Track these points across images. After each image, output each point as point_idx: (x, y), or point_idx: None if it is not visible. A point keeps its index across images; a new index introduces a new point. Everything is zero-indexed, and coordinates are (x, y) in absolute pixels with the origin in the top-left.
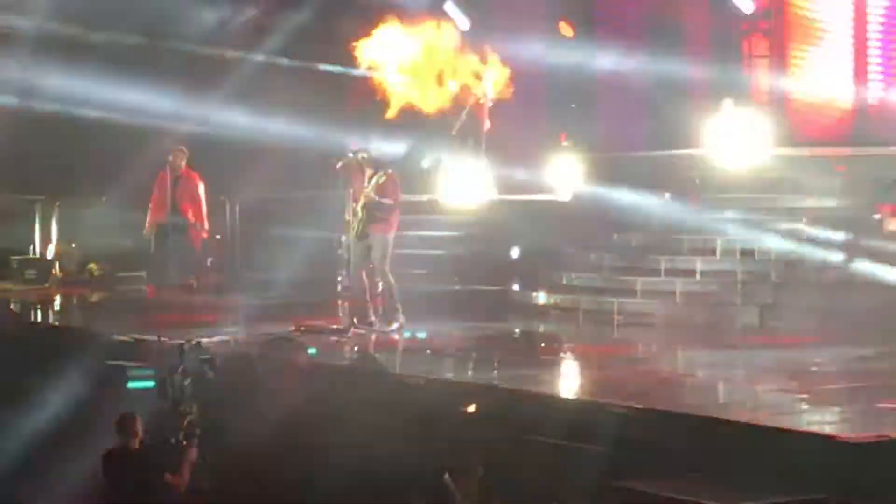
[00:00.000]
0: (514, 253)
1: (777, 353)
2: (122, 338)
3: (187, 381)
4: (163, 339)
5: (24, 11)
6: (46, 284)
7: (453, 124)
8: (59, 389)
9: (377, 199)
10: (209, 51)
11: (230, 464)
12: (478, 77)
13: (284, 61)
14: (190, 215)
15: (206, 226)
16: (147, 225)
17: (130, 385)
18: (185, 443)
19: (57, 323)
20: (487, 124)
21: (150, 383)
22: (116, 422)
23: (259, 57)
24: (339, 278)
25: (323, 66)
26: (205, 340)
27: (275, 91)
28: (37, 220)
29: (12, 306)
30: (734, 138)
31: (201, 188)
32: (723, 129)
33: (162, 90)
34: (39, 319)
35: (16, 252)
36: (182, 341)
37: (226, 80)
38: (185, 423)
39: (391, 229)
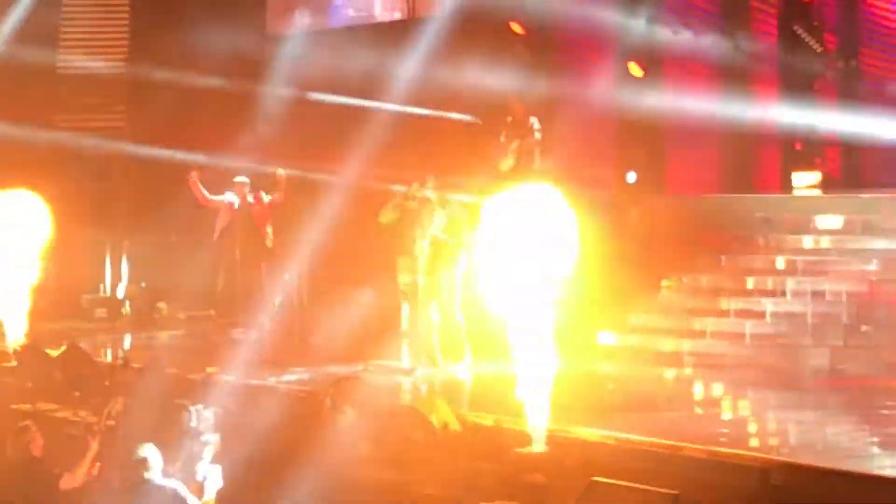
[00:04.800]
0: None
1: (848, 396)
2: (190, 376)
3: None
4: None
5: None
6: (116, 323)
7: (502, 163)
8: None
9: (443, 236)
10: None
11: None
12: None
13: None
14: (264, 242)
15: (271, 240)
16: (218, 257)
17: None
18: (207, 472)
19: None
20: (538, 162)
21: None
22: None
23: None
24: (404, 317)
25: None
26: (272, 380)
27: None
28: (107, 259)
29: (82, 346)
30: (802, 180)
31: (268, 211)
32: (791, 171)
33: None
34: (109, 359)
35: (86, 290)
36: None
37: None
38: (207, 453)
39: (457, 266)
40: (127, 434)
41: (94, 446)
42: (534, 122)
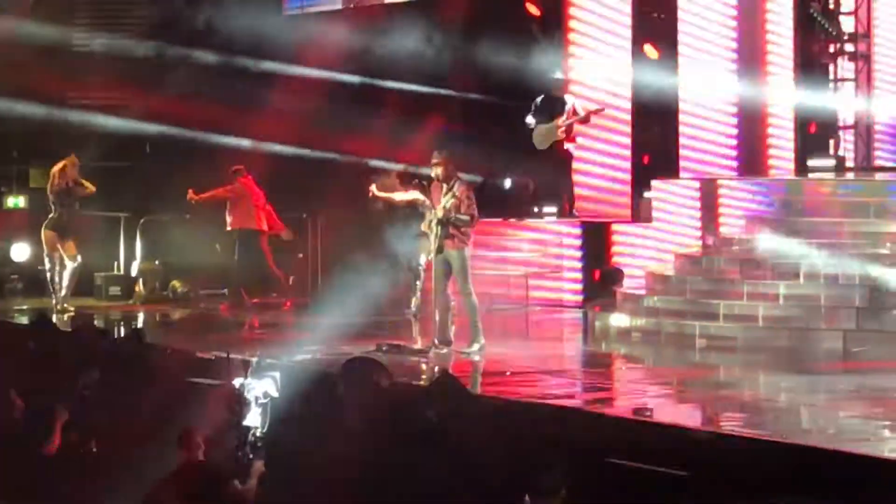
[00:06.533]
0: (596, 274)
1: (860, 379)
2: (203, 355)
3: (254, 398)
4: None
5: (115, 29)
6: (130, 301)
7: (546, 136)
8: (143, 406)
9: (452, 214)
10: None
11: (306, 483)
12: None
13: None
14: (264, 224)
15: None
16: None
17: None
18: (251, 456)
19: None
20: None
21: None
22: (179, 437)
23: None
24: (413, 297)
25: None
26: (285, 359)
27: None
28: (121, 237)
29: (96, 323)
30: (818, 162)
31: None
32: (806, 152)
33: (247, 106)
34: (123, 336)
35: (100, 268)
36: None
37: (311, 96)
38: (251, 437)
39: (466, 245)
40: (106, 404)
41: (63, 415)
42: (570, 100)
